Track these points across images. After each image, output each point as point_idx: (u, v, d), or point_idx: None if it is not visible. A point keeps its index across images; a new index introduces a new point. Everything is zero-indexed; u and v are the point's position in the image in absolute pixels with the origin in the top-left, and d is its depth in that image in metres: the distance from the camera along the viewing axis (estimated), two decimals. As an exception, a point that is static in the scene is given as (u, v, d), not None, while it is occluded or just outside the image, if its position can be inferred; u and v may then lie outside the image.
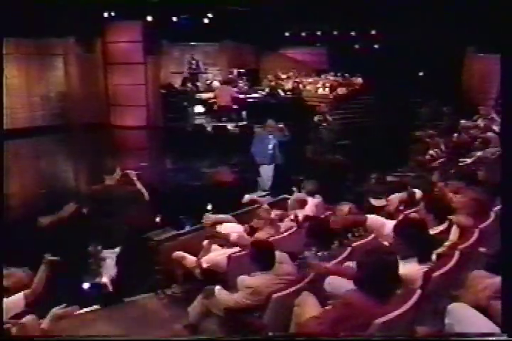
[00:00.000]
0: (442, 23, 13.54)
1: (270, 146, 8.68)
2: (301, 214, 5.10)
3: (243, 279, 3.72)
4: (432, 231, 3.35)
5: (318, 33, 18.73)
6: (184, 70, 17.02)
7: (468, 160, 7.16)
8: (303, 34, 18.87)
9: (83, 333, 4.52)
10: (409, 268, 2.86)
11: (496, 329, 2.30)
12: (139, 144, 15.10)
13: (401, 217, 4.34)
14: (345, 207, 4.34)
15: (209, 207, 8.88)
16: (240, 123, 14.43)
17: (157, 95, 15.66)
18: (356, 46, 18.76)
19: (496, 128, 9.24)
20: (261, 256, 3.48)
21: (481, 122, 10.01)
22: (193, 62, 16.98)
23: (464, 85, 15.05)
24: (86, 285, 5.42)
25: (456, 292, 2.99)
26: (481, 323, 2.41)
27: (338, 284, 3.29)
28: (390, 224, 3.34)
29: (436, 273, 2.90)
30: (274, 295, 3.14)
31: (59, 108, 15.17)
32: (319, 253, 3.71)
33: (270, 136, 8.77)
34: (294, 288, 3.21)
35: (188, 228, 7.34)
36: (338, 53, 18.94)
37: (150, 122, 15.67)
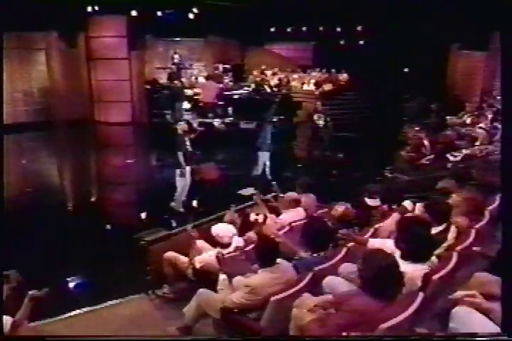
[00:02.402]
0: (428, 20, 13.60)
1: (269, 135, 9.76)
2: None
3: (239, 280, 3.68)
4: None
5: (304, 28, 18.72)
6: (169, 66, 16.83)
7: (457, 158, 7.22)
8: (288, 30, 18.82)
9: (74, 334, 4.46)
10: (410, 269, 2.84)
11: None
12: (124, 140, 14.92)
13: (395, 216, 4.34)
14: (341, 208, 4.32)
15: (194, 203, 8.88)
16: (226, 120, 14.35)
17: (142, 91, 15.47)
18: (342, 42, 18.77)
19: (482, 124, 9.34)
20: (265, 252, 3.44)
21: (467, 119, 10.10)
22: (176, 56, 16.79)
23: (449, 82, 15.16)
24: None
25: (457, 294, 2.99)
26: (486, 327, 2.40)
27: (335, 284, 3.27)
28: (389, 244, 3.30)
29: (436, 276, 2.89)
30: (273, 298, 3.10)
31: (42, 104, 14.90)
32: (315, 254, 3.69)
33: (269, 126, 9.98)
34: (292, 290, 3.17)
35: (174, 224, 7.37)
36: (323, 49, 18.93)
37: (135, 118, 15.48)
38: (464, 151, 7.60)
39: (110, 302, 5.00)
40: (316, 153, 11.90)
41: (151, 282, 5.11)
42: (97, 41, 15.10)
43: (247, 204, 6.03)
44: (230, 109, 15.08)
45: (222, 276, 3.61)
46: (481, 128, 8.46)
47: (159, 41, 17.28)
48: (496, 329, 2.36)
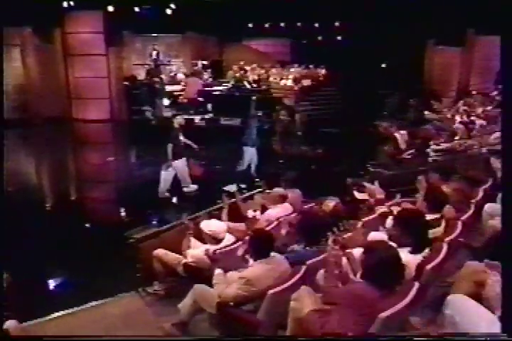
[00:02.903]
0: (405, 16, 13.80)
1: (255, 130, 9.86)
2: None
3: (233, 274, 3.72)
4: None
5: (282, 24, 18.77)
6: (147, 62, 16.69)
7: (437, 153, 7.40)
8: (266, 25, 18.86)
9: (66, 334, 4.43)
10: (404, 258, 2.93)
11: (495, 320, 2.39)
12: (103, 138, 14.75)
13: (382, 209, 4.44)
14: (331, 203, 4.40)
15: (174, 200, 8.89)
16: (207, 116, 14.32)
17: (120, 88, 15.30)
18: (319, 38, 18.90)
19: (459, 118, 9.57)
20: (260, 244, 3.49)
21: (446, 114, 10.33)
22: (154, 53, 16.66)
23: (426, 77, 15.42)
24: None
25: (448, 283, 3.10)
26: (481, 313, 2.50)
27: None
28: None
29: (428, 266, 2.99)
30: (270, 292, 3.16)
31: (18, 101, 14.59)
32: (308, 248, 3.76)
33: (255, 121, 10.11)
34: (289, 283, 3.23)
35: (155, 222, 7.39)
36: (301, 45, 19.04)
37: (114, 115, 15.31)
38: (444, 145, 7.78)
39: (99, 302, 4.99)
40: (293, 149, 12.01)
41: (141, 280, 5.09)
42: (74, 37, 14.87)
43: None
44: (209, 106, 15.07)
45: (218, 271, 3.64)
46: (460, 122, 8.66)
47: (137, 37, 17.11)
48: (490, 316, 2.46)
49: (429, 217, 3.51)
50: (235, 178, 9.13)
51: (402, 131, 8.91)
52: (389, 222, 3.66)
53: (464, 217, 3.84)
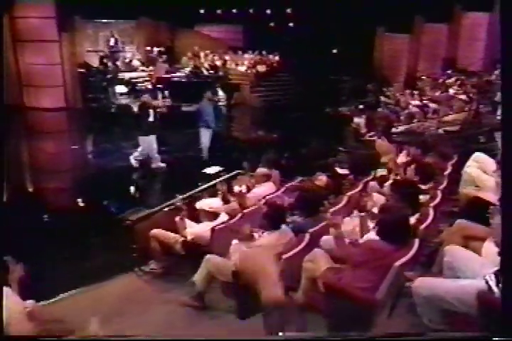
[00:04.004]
0: (355, 3, 14.27)
1: (211, 113, 10.49)
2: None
3: (238, 247, 4.04)
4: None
5: (234, 10, 18.88)
6: (101, 48, 16.37)
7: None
8: (218, 11, 18.90)
9: (70, 317, 4.53)
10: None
11: (486, 263, 2.88)
12: (58, 126, 14.41)
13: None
14: (323, 177, 4.80)
15: (131, 189, 9.03)
16: (167, 103, 14.34)
17: (75, 75, 14.95)
18: (271, 24, 19.17)
19: (413, 102, 10.24)
20: (275, 216, 3.82)
21: (400, 98, 10.99)
22: (112, 39, 16.38)
23: (376, 63, 16.08)
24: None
25: (434, 243, 3.59)
26: (473, 259, 3.00)
27: (332, 242, 3.74)
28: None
29: (422, 226, 3.48)
30: (284, 256, 3.52)
31: (-35, 89, 13.96)
32: (306, 219, 4.14)
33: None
34: (297, 249, 3.61)
35: (113, 210, 7.55)
36: (254, 31, 19.21)
37: (69, 103, 14.95)
38: (403, 127, 8.39)
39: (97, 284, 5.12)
40: (249, 133, 12.40)
41: (138, 259, 5.29)
42: (24, 22, 14.29)
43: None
44: (166, 92, 15.08)
45: (235, 241, 3.94)
46: (415, 106, 9.32)
47: (88, 23, 16.70)
48: (481, 259, 2.96)
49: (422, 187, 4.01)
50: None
51: (362, 115, 9.47)
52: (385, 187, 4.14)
53: (441, 187, 4.38)
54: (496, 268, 2.63)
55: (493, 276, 2.55)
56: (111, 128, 13.21)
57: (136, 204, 7.32)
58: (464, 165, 4.96)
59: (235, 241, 3.93)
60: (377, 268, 2.92)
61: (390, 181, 4.34)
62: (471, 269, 2.85)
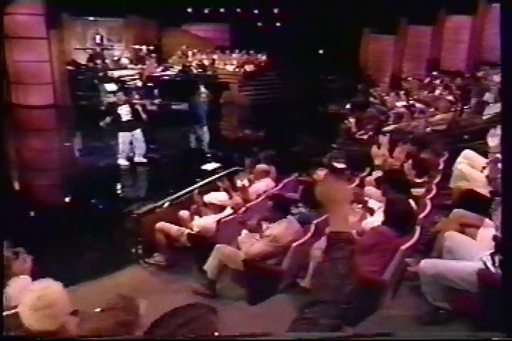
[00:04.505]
0: (342, 4, 14.53)
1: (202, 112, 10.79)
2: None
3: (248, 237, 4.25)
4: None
5: (222, 9, 19.02)
6: (88, 46, 16.39)
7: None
8: (206, 11, 19.02)
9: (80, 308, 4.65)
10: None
11: (482, 247, 3.17)
12: (47, 124, 14.41)
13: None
14: (323, 172, 5.04)
15: (118, 187, 9.17)
16: (156, 101, 14.48)
17: (64, 72, 14.96)
18: (259, 24, 19.37)
19: (400, 103, 10.59)
20: (282, 207, 4.05)
21: (387, 98, 11.31)
22: (98, 37, 16.40)
23: (362, 64, 16.40)
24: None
25: (431, 232, 3.87)
26: (471, 243, 3.30)
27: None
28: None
29: (421, 215, 3.76)
30: (293, 245, 3.75)
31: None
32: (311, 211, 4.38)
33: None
34: (305, 238, 3.85)
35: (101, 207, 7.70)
36: (241, 30, 19.36)
37: (58, 101, 14.97)
38: (392, 126, 8.70)
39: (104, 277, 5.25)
40: (237, 132, 12.64)
41: (143, 252, 5.46)
42: (12, 18, 14.27)
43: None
44: (155, 91, 15.21)
45: (245, 231, 4.15)
46: (403, 106, 9.65)
47: (76, 21, 16.69)
48: (478, 244, 3.26)
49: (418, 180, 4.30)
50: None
51: (353, 115, 9.75)
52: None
53: (435, 181, 4.68)
54: (491, 251, 2.94)
55: (489, 257, 2.87)
56: (99, 125, 13.21)
57: (127, 201, 7.56)
58: (454, 162, 5.29)
59: (244, 232, 4.14)
60: (383, 252, 3.19)
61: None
62: (468, 252, 3.15)
